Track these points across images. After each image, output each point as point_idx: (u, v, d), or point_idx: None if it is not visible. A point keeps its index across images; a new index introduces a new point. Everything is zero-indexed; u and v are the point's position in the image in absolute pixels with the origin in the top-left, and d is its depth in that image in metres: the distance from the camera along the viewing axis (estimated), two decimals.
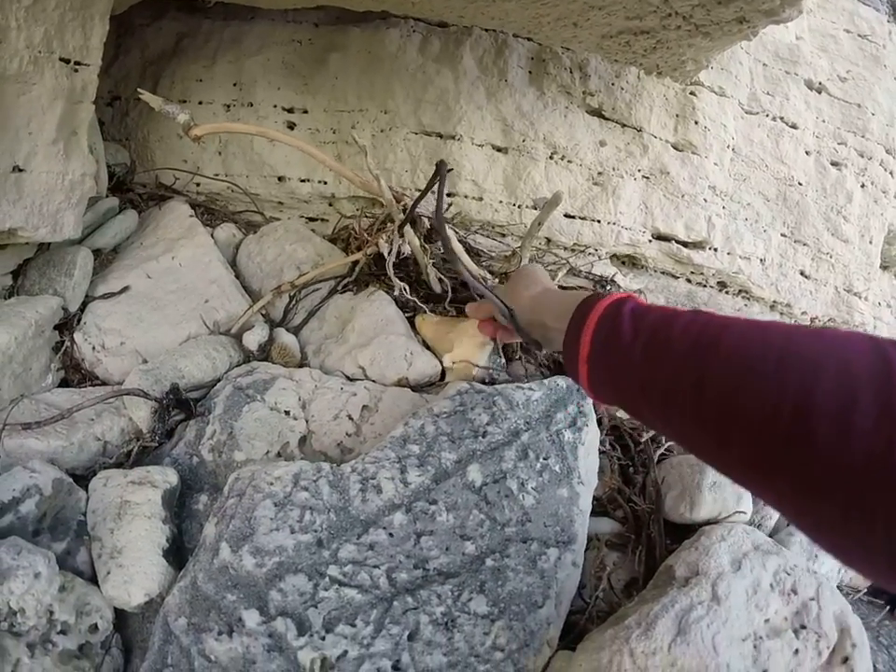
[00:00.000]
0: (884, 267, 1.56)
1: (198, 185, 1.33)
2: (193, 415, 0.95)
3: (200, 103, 1.31)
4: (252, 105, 1.29)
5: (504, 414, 0.86)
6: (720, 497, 0.89)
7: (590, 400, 0.92)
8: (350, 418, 0.91)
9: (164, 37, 1.42)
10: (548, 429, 0.87)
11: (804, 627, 0.76)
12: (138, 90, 1.03)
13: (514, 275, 0.75)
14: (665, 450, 0.95)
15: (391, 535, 0.73)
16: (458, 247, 0.97)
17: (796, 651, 0.74)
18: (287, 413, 0.92)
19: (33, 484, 0.81)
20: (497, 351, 0.98)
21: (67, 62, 1.03)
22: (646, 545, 0.86)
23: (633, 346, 0.43)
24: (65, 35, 1.02)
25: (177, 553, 0.83)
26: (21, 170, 0.98)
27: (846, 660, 0.75)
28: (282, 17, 1.33)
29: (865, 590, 1.06)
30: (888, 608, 1.03)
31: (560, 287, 0.87)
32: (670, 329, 0.42)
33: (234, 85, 1.31)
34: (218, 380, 1.00)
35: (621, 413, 0.97)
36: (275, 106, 1.28)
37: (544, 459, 0.84)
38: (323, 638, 0.67)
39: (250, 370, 0.99)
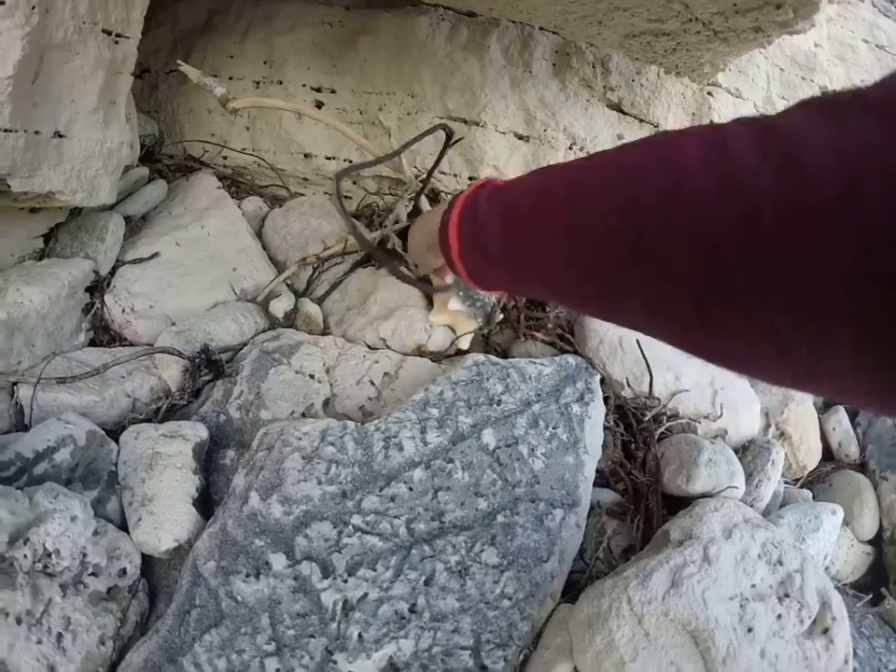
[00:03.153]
0: None
1: (225, 158, 1.37)
2: (222, 376, 0.99)
3: (230, 78, 1.35)
4: (281, 83, 1.32)
5: (517, 385, 0.91)
6: (714, 472, 0.94)
7: (597, 378, 0.97)
8: (372, 383, 0.97)
9: (196, 13, 1.46)
10: (557, 402, 0.92)
11: (787, 596, 0.81)
12: (178, 62, 1.07)
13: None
14: (666, 429, 1.01)
15: (411, 489, 0.79)
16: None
17: (779, 615, 0.80)
18: (311, 376, 0.97)
19: (67, 435, 0.85)
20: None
21: (109, 33, 1.06)
22: (644, 515, 0.91)
23: (491, 231, 0.45)
24: (108, 8, 1.05)
25: (205, 504, 0.88)
26: (62, 136, 1.02)
27: (825, 631, 0.80)
28: None
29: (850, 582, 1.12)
30: (870, 596, 1.09)
31: None
32: (518, 201, 0.42)
33: (265, 63, 1.34)
34: (245, 344, 1.05)
35: (625, 393, 1.02)
36: (304, 85, 1.32)
37: (553, 429, 0.89)
38: (345, 581, 0.73)
39: (276, 335, 1.04)
